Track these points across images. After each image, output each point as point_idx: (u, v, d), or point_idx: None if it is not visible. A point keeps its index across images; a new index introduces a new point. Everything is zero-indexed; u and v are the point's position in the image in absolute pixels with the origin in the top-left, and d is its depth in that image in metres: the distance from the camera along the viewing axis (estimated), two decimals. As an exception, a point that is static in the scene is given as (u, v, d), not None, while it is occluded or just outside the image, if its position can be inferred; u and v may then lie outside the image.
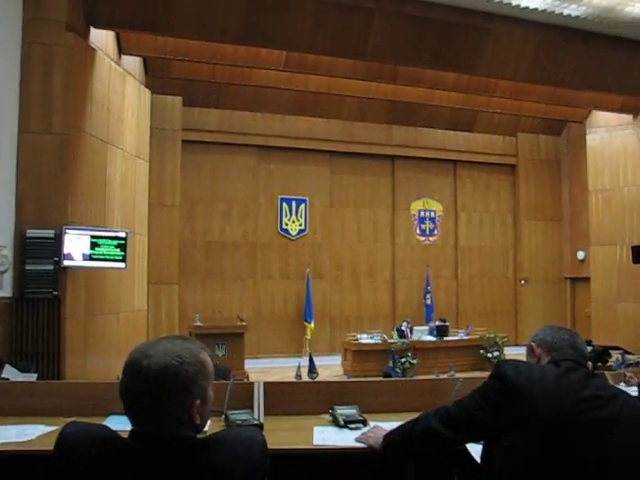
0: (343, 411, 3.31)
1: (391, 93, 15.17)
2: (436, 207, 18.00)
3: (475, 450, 2.63)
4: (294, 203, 16.57)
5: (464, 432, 2.40)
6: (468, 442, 2.59)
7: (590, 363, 2.50)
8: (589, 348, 5.63)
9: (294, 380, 10.03)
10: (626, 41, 13.57)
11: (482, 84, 14.50)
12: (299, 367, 11.26)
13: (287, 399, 3.56)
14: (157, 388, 1.78)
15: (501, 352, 13.99)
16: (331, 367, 13.71)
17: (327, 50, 12.03)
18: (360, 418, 3.25)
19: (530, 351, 2.59)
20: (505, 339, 14.45)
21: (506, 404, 2.24)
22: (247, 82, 14.26)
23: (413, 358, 13.11)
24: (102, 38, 10.83)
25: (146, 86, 13.17)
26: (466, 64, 12.84)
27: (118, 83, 11.55)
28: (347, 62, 13.03)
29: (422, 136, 17.52)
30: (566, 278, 18.65)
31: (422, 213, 17.83)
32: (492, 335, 14.31)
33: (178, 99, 14.74)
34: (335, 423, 3.27)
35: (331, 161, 16.95)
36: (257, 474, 1.86)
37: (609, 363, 9.12)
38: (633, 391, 4.91)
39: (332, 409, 3.36)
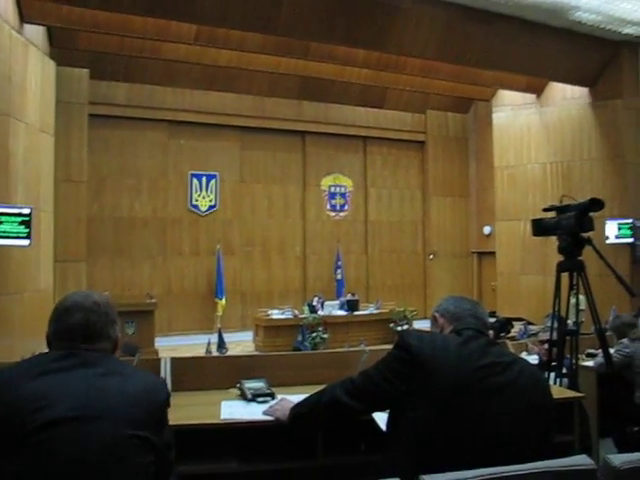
0: (251, 385, 3.31)
1: (302, 69, 15.13)
2: (346, 183, 18.12)
3: (382, 420, 2.67)
4: (204, 179, 16.37)
5: (369, 402, 2.44)
6: (373, 412, 2.63)
7: (492, 332, 2.57)
8: (493, 319, 5.80)
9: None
10: (530, 23, 13.90)
11: (392, 61, 14.62)
12: (209, 343, 11.22)
13: (195, 374, 3.54)
14: (105, 315, 2.17)
15: (410, 325, 14.27)
16: (243, 343, 13.69)
17: (238, 24, 11.86)
18: (268, 391, 3.26)
19: (434, 321, 2.64)
20: (414, 312, 14.73)
21: (410, 373, 2.28)
22: (157, 55, 13.93)
23: (324, 333, 13.22)
24: (1, 4, 10.35)
25: (51, 57, 12.70)
26: (376, 41, 12.91)
27: (20, 53, 11.07)
28: (258, 37, 12.90)
29: (333, 112, 17.55)
30: (473, 252, 19.15)
31: (332, 189, 17.91)
32: (401, 309, 14.58)
33: (85, 72, 14.29)
34: (243, 397, 3.27)
35: (242, 136, 16.79)
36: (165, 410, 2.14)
37: (512, 333, 9.43)
38: (534, 359, 5.10)
39: (240, 383, 3.35)
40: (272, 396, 3.22)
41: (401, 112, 18.51)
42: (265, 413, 2.91)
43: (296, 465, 2.95)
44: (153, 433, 2.02)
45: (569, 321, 7.37)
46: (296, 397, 2.83)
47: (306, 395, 2.70)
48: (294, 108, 17.11)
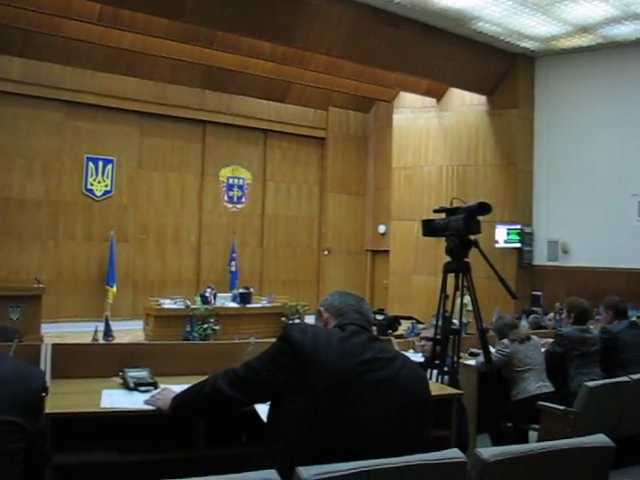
0: (134, 374, 3.26)
1: (207, 58, 14.98)
2: (245, 175, 18.03)
3: (263, 411, 2.68)
4: (101, 163, 15.93)
5: (250, 393, 2.44)
6: (255, 403, 2.64)
7: (377, 328, 2.62)
8: (381, 316, 5.92)
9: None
10: (435, 29, 14.24)
11: (297, 56, 14.67)
12: (96, 331, 10.96)
13: (77, 362, 3.45)
14: None
15: (302, 320, 14.34)
16: (133, 332, 13.43)
17: (143, 7, 11.63)
18: (151, 381, 3.21)
19: (318, 315, 2.67)
20: (306, 307, 14.82)
21: (292, 365, 2.30)
22: (57, 32, 13.41)
23: (215, 324, 13.12)
24: None
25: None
26: (283, 35, 12.92)
27: None
28: (163, 22, 12.68)
29: (235, 103, 17.42)
30: (367, 250, 19.44)
31: (231, 180, 17.79)
32: (294, 303, 14.64)
33: (-25, 42, 13.65)
34: (125, 386, 3.21)
35: (141, 122, 16.43)
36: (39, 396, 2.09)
37: (401, 331, 9.63)
38: (420, 357, 5.22)
39: (122, 372, 3.29)
40: (155, 385, 3.18)
41: (303, 107, 18.57)
42: (146, 402, 2.87)
43: (177, 455, 2.92)
44: (25, 419, 1.96)
45: (457, 321, 7.60)
46: (179, 387, 2.80)
47: (189, 385, 2.68)
48: (196, 97, 16.88)
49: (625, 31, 14.24)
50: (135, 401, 2.97)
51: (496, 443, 5.20)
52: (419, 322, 12.08)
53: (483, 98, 16.24)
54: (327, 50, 13.73)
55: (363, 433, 2.27)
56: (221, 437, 2.96)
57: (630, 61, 14.86)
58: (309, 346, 2.31)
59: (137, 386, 3.16)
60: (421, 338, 5.46)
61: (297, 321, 14.12)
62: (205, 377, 2.66)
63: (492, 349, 5.58)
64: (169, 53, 14.59)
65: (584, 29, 14.24)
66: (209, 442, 2.91)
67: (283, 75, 16.18)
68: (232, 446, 3.00)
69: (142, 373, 3.27)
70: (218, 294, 14.16)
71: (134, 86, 15.94)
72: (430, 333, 5.29)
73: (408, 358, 2.59)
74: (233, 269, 16.82)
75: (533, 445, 2.32)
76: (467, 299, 4.88)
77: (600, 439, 2.40)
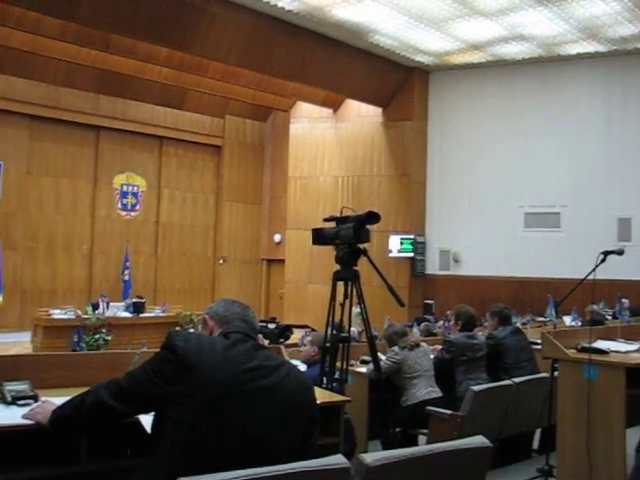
0: (12, 387, 3.12)
1: (102, 61, 14.65)
2: (140, 182, 17.69)
3: (147, 422, 2.62)
4: (-13, 167, 15.31)
5: (134, 404, 2.39)
6: (138, 413, 2.58)
7: (263, 337, 2.61)
8: (273, 325, 5.92)
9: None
10: (331, 40, 14.42)
11: (195, 63, 14.56)
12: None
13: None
14: None
15: (196, 329, 14.17)
16: (20, 344, 12.92)
17: (33, 5, 11.26)
18: (31, 394, 3.09)
19: (204, 323, 2.65)
20: (201, 316, 14.65)
21: (175, 374, 2.26)
22: (-63, 27, 12.83)
23: (107, 334, 12.80)
24: None
25: None
26: (180, 41, 12.80)
27: None
28: (56, 22, 12.32)
29: (130, 109, 17.08)
30: (262, 259, 19.44)
31: (125, 187, 17.41)
32: (188, 312, 14.46)
33: None
34: (2, 400, 3.08)
35: (31, 125, 15.87)
36: None
37: (295, 340, 9.65)
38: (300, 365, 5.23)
39: (0, 385, 3.15)
40: (35, 399, 3.05)
41: (200, 115, 18.41)
42: (25, 417, 2.76)
43: (59, 471, 2.81)
44: None
45: (353, 329, 7.68)
46: (61, 399, 2.70)
47: (71, 397, 2.60)
48: (90, 101, 16.44)
49: (513, 50, 14.85)
50: (13, 416, 2.84)
51: (386, 448, 5.27)
52: (314, 330, 12.15)
53: (379, 110, 16.55)
54: (225, 58, 13.69)
55: (248, 442, 2.26)
56: (104, 450, 2.88)
57: (517, 79, 15.52)
58: (192, 355, 2.28)
59: (15, 400, 3.02)
60: (304, 344, 5.51)
61: (191, 330, 13.95)
62: (87, 388, 2.58)
63: (383, 356, 5.68)
64: (62, 55, 14.18)
65: (475, 46, 14.75)
66: (91, 456, 2.82)
67: (180, 82, 16.01)
68: (116, 459, 2.92)
69: (21, 386, 3.14)
70: (111, 303, 13.82)
71: (24, 87, 15.37)
72: (309, 339, 5.34)
73: (294, 366, 2.60)
74: (126, 278, 16.45)
75: (415, 449, 2.36)
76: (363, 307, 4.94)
77: (479, 440, 2.46)
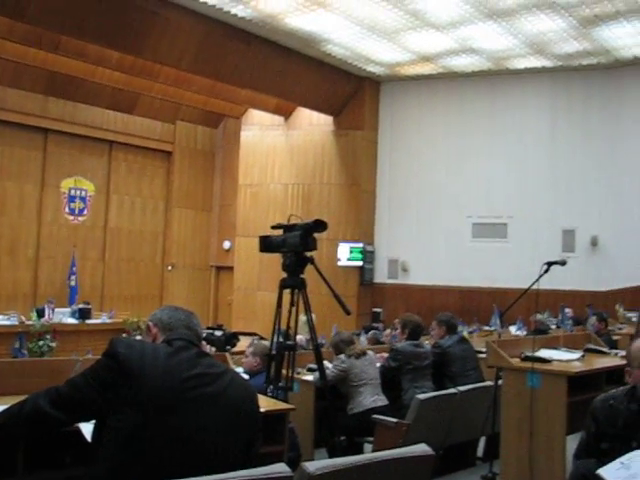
0: (-52, 394, 3.05)
1: (51, 62, 14.39)
2: (88, 187, 17.40)
3: (88, 430, 2.58)
4: None
5: (73, 412, 2.34)
6: (78, 422, 2.53)
7: (205, 343, 2.59)
8: (220, 332, 5.89)
9: None
10: (284, 48, 14.44)
11: (146, 67, 14.42)
12: None
13: None
14: None
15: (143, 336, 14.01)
16: (-41, 350, 12.60)
17: (-21, 4, 11.04)
18: (-35, 402, 3.01)
19: (147, 330, 2.62)
20: (148, 324, 14.48)
21: (116, 382, 2.23)
22: None
23: (52, 341, 12.56)
24: None
25: None
26: (132, 45, 12.68)
27: None
28: (4, 21, 12.07)
29: (80, 112, 16.80)
30: (212, 266, 19.31)
31: (73, 191, 17.10)
32: (136, 319, 14.28)
33: None
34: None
35: (-24, 128, 15.54)
36: None
37: (242, 348, 9.61)
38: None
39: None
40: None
41: (151, 120, 18.20)
42: (-42, 426, 2.69)
43: (-7, 484, 2.76)
44: None
45: (301, 337, 7.67)
46: (-1, 407, 2.65)
47: (8, 405, 2.54)
48: (38, 103, 16.12)
49: (463, 63, 15.07)
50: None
51: (332, 456, 5.28)
52: (262, 338, 12.12)
53: (330, 119, 16.62)
54: (177, 63, 13.60)
55: (190, 450, 2.24)
56: (43, 460, 2.82)
57: (467, 91, 15.75)
58: (135, 362, 2.25)
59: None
60: (247, 355, 5.50)
61: (138, 337, 13.78)
62: (27, 396, 2.53)
63: (330, 364, 5.69)
64: (10, 55, 13.89)
65: (426, 58, 14.92)
66: (29, 466, 2.76)
67: (131, 86, 15.84)
68: (55, 469, 2.86)
69: (-45, 394, 3.06)
70: (56, 309, 13.58)
71: (-32, 88, 15.04)
72: (251, 350, 5.33)
73: (238, 374, 2.59)
74: (73, 284, 16.16)
75: (358, 457, 2.37)
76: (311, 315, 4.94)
77: (421, 448, 2.48)
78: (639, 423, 2.68)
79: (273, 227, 4.59)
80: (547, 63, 14.79)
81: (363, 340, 9.10)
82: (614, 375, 5.09)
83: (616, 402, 2.80)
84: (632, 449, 2.61)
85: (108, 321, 14.20)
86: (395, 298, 15.78)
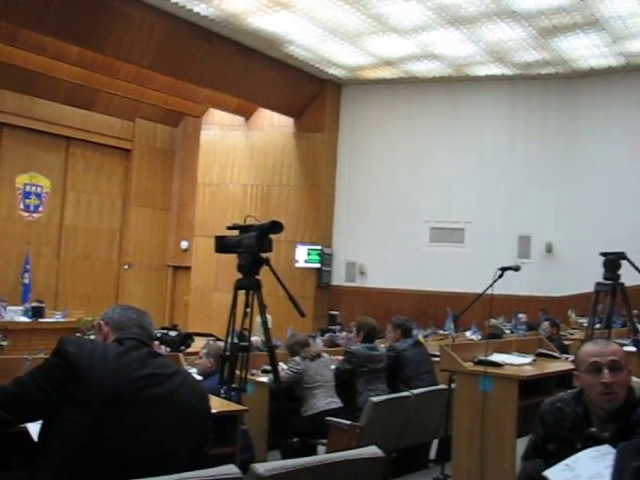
0: None
1: (7, 56, 14.12)
2: (44, 183, 17.13)
3: (35, 431, 2.54)
4: None
5: (20, 411, 2.30)
6: (25, 422, 2.49)
7: (157, 343, 2.57)
8: (174, 332, 5.85)
9: None
10: (246, 48, 14.40)
11: (107, 64, 14.26)
12: None
13: None
14: None
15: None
16: None
17: None
18: None
19: (98, 329, 2.59)
20: (102, 323, 14.31)
21: (65, 381, 2.20)
22: None
23: (3, 339, 12.36)
24: None
25: None
26: (93, 40, 12.54)
27: None
28: (-44, 11, 11.84)
29: (37, 107, 16.52)
30: (169, 266, 19.16)
31: (28, 187, 16.81)
32: (90, 318, 14.11)
33: None
34: None
35: None
36: None
37: (198, 349, 9.56)
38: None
39: None
40: None
41: (110, 117, 17.99)
42: None
43: None
44: None
45: (257, 338, 7.65)
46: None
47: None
48: (-6, 97, 15.87)
49: (424, 68, 15.20)
50: None
51: (285, 458, 5.27)
52: (218, 339, 12.06)
53: (290, 120, 16.62)
54: (137, 60, 13.47)
55: (139, 451, 2.22)
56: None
57: (427, 97, 15.89)
58: (84, 361, 2.22)
59: None
60: (200, 356, 5.48)
61: (92, 337, 13.62)
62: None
63: (285, 366, 5.69)
64: (-37, 47, 13.65)
65: (388, 62, 15.01)
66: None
67: (90, 82, 15.64)
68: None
69: None
70: (9, 307, 13.36)
71: None
72: (205, 351, 5.31)
73: (189, 374, 2.57)
74: (26, 281, 15.88)
75: (308, 459, 2.38)
76: (268, 317, 4.94)
77: (371, 450, 2.49)
78: (584, 426, 2.75)
79: (229, 228, 4.57)
80: (507, 71, 14.99)
81: (319, 342, 9.12)
82: (565, 379, 5.17)
83: (563, 405, 2.86)
84: (576, 450, 2.66)
85: (62, 320, 13.99)
86: (352, 301, 15.83)
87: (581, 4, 11.61)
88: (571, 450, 2.70)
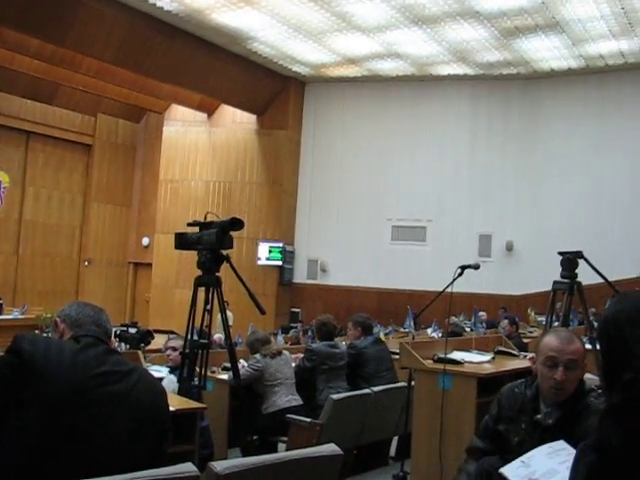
0: None
1: (-35, 49, 13.90)
2: (2, 178, 16.87)
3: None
4: None
5: (-32, 413, 2.27)
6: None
7: (114, 340, 2.55)
8: (134, 329, 5.80)
9: None
10: (209, 44, 14.33)
11: (67, 57, 14.09)
12: None
13: None
14: None
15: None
16: None
17: None
18: None
19: (54, 326, 2.56)
20: (63, 320, 14.15)
21: (18, 379, 2.17)
22: None
23: (-41, 336, 12.16)
24: None
25: None
26: (53, 33, 12.38)
27: None
28: None
29: (-5, 101, 16.31)
30: (129, 262, 19.00)
31: (-15, 182, 16.61)
32: (49, 315, 13.92)
33: None
34: None
35: None
36: None
37: (158, 346, 9.48)
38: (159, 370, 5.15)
39: None
40: None
41: (71, 111, 17.78)
42: None
43: None
44: None
45: (219, 335, 7.62)
46: None
47: None
48: (-49, 90, 15.58)
49: (387, 67, 15.27)
50: None
51: (246, 456, 5.27)
52: (179, 336, 12.00)
53: (253, 117, 16.58)
54: (99, 54, 13.34)
55: (96, 449, 2.20)
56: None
57: (390, 95, 15.96)
58: (39, 359, 2.19)
59: None
60: (166, 348, 5.44)
61: (51, 335, 13.45)
62: None
63: (245, 363, 5.67)
64: None
65: (351, 60, 15.05)
66: None
67: (51, 75, 15.43)
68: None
69: None
70: (-36, 304, 13.14)
71: None
72: (176, 343, 5.27)
73: (147, 371, 2.55)
74: (-17, 277, 15.67)
75: (267, 456, 2.38)
76: (229, 315, 4.92)
77: (330, 448, 2.50)
78: (531, 407, 2.85)
79: (189, 224, 4.54)
80: (469, 71, 15.13)
81: (280, 339, 9.11)
82: (522, 377, 5.22)
83: (519, 389, 2.98)
84: (522, 431, 2.84)
85: (20, 317, 13.77)
86: (314, 298, 15.85)
87: (542, 6, 11.77)
88: (517, 431, 2.87)
